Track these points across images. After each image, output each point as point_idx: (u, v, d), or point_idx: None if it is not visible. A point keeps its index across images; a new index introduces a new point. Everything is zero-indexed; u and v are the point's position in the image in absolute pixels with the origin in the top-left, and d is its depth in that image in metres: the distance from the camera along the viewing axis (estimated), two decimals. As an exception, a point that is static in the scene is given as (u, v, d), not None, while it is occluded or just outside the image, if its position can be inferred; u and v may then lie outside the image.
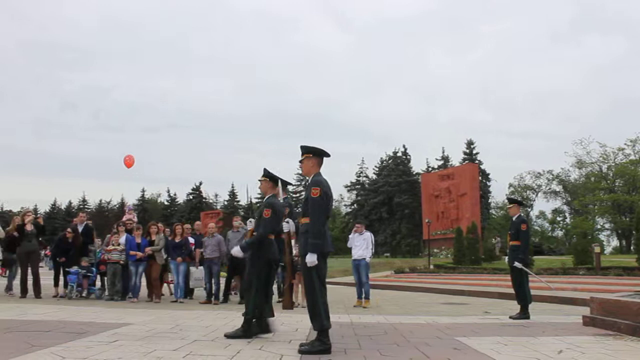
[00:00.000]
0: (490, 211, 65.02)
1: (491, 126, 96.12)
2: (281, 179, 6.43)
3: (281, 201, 6.33)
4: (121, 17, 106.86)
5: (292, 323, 6.92)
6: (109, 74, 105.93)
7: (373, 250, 11.10)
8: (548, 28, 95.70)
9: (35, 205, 70.60)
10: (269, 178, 6.17)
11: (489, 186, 62.95)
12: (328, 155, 5.45)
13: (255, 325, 5.81)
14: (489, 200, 64.32)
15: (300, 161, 5.44)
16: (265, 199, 6.11)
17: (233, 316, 8.00)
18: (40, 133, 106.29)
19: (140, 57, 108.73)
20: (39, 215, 12.01)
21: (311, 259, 4.92)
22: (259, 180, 6.20)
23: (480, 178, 54.88)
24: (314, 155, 5.37)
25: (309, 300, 5.12)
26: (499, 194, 68.39)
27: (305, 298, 5.59)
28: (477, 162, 59.34)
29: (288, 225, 5.70)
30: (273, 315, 6.09)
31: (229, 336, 5.59)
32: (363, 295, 10.84)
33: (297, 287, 10.91)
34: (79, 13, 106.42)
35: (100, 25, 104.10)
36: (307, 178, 5.51)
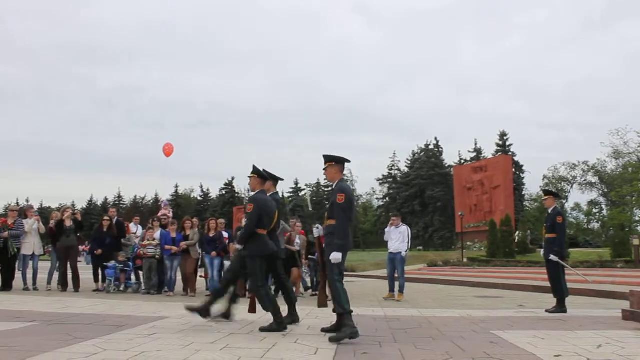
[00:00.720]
0: (524, 203, 64.08)
1: (525, 117, 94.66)
2: (273, 176, 6.77)
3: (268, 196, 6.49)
4: (154, 17, 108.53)
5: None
6: (144, 72, 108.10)
7: (409, 244, 10.99)
8: (582, 15, 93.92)
9: (73, 202, 72.32)
10: (258, 175, 6.38)
11: (523, 178, 62.13)
12: (349, 161, 5.95)
13: (287, 316, 6.07)
14: (523, 193, 63.45)
15: (324, 169, 5.88)
16: (254, 194, 6.34)
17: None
18: (77, 131, 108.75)
19: (173, 56, 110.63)
20: (76, 211, 12.24)
21: (336, 257, 5.38)
22: (249, 177, 6.39)
23: (513, 170, 54.17)
24: (336, 163, 5.82)
25: (331, 290, 5.52)
26: (532, 186, 67.48)
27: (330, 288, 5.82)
28: (510, 153, 58.59)
29: (318, 231, 5.82)
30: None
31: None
32: (397, 289, 10.80)
33: (294, 280, 11.04)
34: (114, 15, 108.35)
35: (136, 27, 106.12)
36: (332, 184, 5.98)
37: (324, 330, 5.55)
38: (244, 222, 6.54)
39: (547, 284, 9.09)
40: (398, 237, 10.82)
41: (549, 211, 8.85)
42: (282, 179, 7.05)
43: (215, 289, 7.21)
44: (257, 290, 6.04)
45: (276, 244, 6.45)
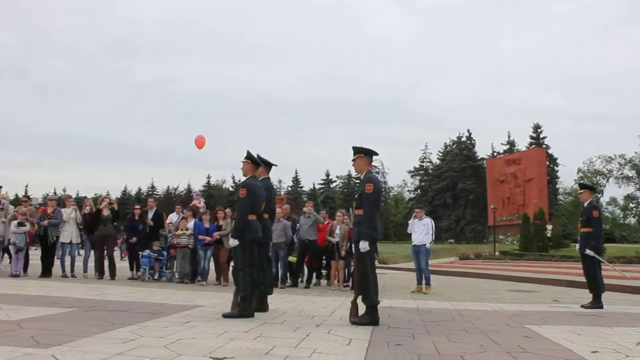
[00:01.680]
0: (558, 197, 63.01)
1: (559, 109, 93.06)
2: (266, 161, 6.88)
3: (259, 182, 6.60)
4: (190, 10, 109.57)
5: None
6: (179, 64, 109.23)
7: (433, 237, 10.93)
8: (620, 5, 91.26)
9: (108, 192, 73.71)
10: (251, 160, 6.47)
11: (557, 171, 61.12)
12: (377, 154, 6.08)
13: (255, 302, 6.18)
14: (557, 186, 62.39)
15: (353, 160, 6.04)
16: (245, 179, 6.42)
17: (300, 300, 8.15)
18: (113, 122, 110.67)
19: (209, 48, 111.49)
20: (113, 201, 12.47)
21: (364, 245, 5.58)
22: (242, 162, 6.46)
23: (547, 163, 53.28)
24: (365, 154, 5.97)
25: (360, 280, 5.72)
26: (567, 179, 66.44)
27: (356, 279, 6.00)
28: (544, 146, 57.63)
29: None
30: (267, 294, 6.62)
31: (225, 316, 5.79)
32: (423, 281, 10.76)
33: (334, 273, 11.07)
34: (149, 8, 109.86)
35: (172, 19, 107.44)
36: (360, 175, 6.11)
37: (353, 322, 5.59)
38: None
39: (582, 278, 8.94)
40: (422, 229, 10.77)
41: (585, 205, 8.70)
42: (275, 165, 7.12)
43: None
44: (237, 273, 6.15)
45: (266, 229, 6.59)
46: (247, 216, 6.10)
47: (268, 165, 6.97)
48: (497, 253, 29.96)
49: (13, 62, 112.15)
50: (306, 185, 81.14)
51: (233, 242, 6.11)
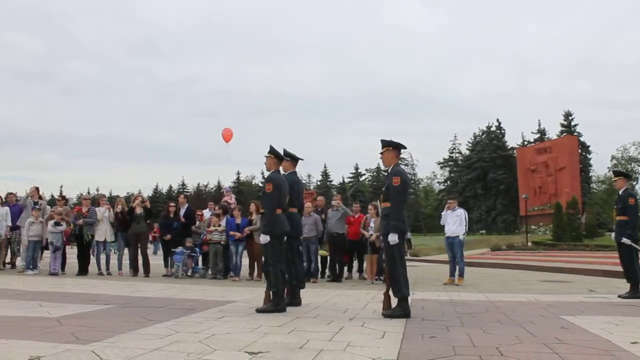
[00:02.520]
0: (591, 185, 61.82)
1: (590, 96, 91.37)
2: (292, 155, 6.85)
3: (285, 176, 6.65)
4: (210, 10, 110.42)
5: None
6: (203, 64, 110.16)
7: (466, 228, 10.83)
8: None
9: (140, 190, 74.67)
10: (274, 155, 6.46)
11: (589, 159, 59.89)
12: (405, 147, 6.09)
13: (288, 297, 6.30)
14: (590, 174, 61.21)
15: (381, 153, 6.05)
16: (269, 173, 6.42)
17: (332, 294, 8.16)
18: (141, 123, 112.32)
19: (231, 46, 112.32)
20: (145, 199, 12.67)
21: (392, 238, 5.63)
22: (265, 157, 6.46)
23: (579, 151, 52.32)
24: (393, 148, 5.98)
25: (390, 272, 5.77)
26: (600, 167, 65.04)
27: (387, 271, 6.00)
28: (576, 134, 56.54)
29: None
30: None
31: (259, 310, 5.83)
32: (457, 273, 10.68)
33: (369, 267, 11.01)
34: (170, 9, 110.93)
35: (193, 20, 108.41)
36: (387, 168, 6.13)
37: (385, 314, 5.61)
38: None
39: (619, 268, 8.79)
40: (455, 220, 10.68)
41: (620, 193, 8.53)
42: (301, 159, 7.09)
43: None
44: (266, 269, 6.22)
45: (296, 223, 6.65)
46: (275, 210, 6.15)
47: (294, 160, 6.95)
48: (529, 243, 29.57)
49: (41, 66, 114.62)
50: (335, 179, 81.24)
51: (264, 239, 6.12)
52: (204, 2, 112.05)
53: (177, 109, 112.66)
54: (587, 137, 60.65)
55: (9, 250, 12.85)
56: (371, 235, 10.70)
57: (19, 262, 12.42)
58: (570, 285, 10.63)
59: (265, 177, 6.53)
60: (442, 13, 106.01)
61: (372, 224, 10.88)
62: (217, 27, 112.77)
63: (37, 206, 12.28)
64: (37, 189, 12.97)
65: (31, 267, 11.54)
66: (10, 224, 12.21)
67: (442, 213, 11.20)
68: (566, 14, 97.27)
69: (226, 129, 17.63)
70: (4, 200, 12.75)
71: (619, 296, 7.93)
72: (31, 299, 6.79)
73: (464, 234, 10.71)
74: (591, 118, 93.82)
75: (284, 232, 6.23)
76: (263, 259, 7.04)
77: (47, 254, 12.17)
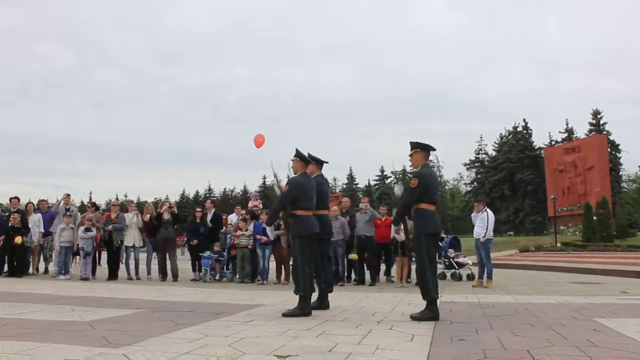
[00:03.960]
0: (622, 184, 60.63)
1: (620, 94, 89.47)
2: (316, 158, 6.91)
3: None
4: (235, 15, 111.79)
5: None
6: (229, 70, 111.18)
7: (488, 229, 10.64)
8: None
9: (167, 196, 75.52)
10: (300, 158, 6.52)
11: (619, 158, 58.73)
12: (434, 149, 6.09)
13: (316, 300, 6.35)
14: (620, 173, 60.03)
15: (410, 155, 6.07)
16: (293, 176, 6.50)
17: (360, 297, 8.15)
18: (169, 130, 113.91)
19: (256, 52, 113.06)
20: (172, 205, 12.81)
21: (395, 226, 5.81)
22: (291, 160, 6.53)
23: (609, 149, 51.40)
24: (422, 149, 6.02)
25: (419, 275, 5.82)
26: (631, 166, 63.51)
27: (417, 274, 6.03)
28: (605, 132, 55.55)
29: (399, 188, 5.92)
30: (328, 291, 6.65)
31: (285, 315, 5.83)
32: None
33: (399, 269, 10.95)
34: (196, 17, 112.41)
35: (218, 26, 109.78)
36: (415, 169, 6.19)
37: (413, 317, 5.59)
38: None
39: (653, 268, 8.61)
40: (479, 222, 10.64)
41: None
42: (326, 162, 7.12)
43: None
44: (295, 271, 6.26)
45: (326, 226, 6.66)
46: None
47: (319, 163, 7.01)
48: (558, 244, 29.14)
49: (72, 77, 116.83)
50: (361, 182, 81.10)
51: (269, 230, 6.26)
52: (228, 10, 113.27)
53: (203, 116, 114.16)
54: (617, 135, 59.52)
55: (41, 256, 13.12)
56: (402, 237, 10.66)
57: (51, 267, 12.67)
58: (602, 287, 10.45)
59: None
60: (464, 13, 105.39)
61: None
62: (240, 33, 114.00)
63: (68, 212, 12.51)
64: (68, 195, 13.22)
65: (63, 272, 11.76)
66: (42, 230, 12.47)
67: (472, 215, 11.19)
68: (591, 10, 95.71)
69: (258, 134, 17.72)
70: (36, 207, 13.02)
71: (652, 297, 7.78)
72: (64, 303, 6.91)
73: (483, 236, 10.58)
74: (621, 115, 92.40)
75: (313, 235, 6.25)
76: (291, 261, 7.07)
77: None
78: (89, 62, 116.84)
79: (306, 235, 6.17)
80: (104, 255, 12.67)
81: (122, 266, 12.18)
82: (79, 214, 13.12)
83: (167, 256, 11.86)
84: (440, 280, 10.78)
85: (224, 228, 12.43)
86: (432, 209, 5.83)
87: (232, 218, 12.69)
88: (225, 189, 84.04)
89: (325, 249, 6.84)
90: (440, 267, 11.87)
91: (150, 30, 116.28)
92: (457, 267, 12.50)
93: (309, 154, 6.78)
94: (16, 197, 12.43)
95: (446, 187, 75.93)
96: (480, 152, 71.28)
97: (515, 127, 67.12)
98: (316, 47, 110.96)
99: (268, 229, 10.73)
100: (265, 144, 17.36)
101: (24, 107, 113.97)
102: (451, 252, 12.75)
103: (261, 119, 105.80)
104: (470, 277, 12.06)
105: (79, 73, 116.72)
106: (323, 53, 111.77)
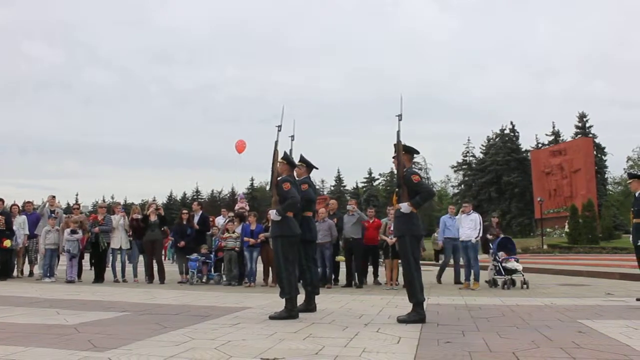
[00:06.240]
0: (607, 187, 61.18)
1: (606, 97, 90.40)
2: (308, 162, 6.97)
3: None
4: (225, 16, 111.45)
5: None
6: (218, 71, 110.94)
7: (480, 232, 10.68)
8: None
9: (154, 198, 75.09)
10: (286, 161, 6.55)
11: (605, 161, 59.23)
12: (418, 152, 6.23)
13: (303, 304, 6.34)
14: (606, 176, 60.56)
15: (393, 157, 6.07)
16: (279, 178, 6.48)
17: (347, 299, 8.16)
18: (157, 130, 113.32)
19: (245, 53, 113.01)
20: (159, 206, 12.73)
21: (405, 207, 5.74)
22: (278, 162, 6.50)
23: (595, 152, 51.85)
24: (405, 152, 6.04)
25: (405, 277, 5.84)
26: (616, 168, 64.16)
27: (403, 276, 6.04)
28: (591, 135, 56.03)
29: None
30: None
31: (272, 317, 5.81)
32: (472, 277, 10.63)
33: (389, 271, 10.94)
34: (186, 17, 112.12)
35: (208, 27, 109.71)
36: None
37: (400, 320, 5.59)
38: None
39: (636, 271, 8.71)
40: (469, 224, 10.68)
41: (636, 195, 8.44)
42: (316, 168, 7.14)
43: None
44: (278, 275, 6.27)
45: (311, 228, 6.71)
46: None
47: (309, 166, 7.01)
48: (545, 246, 29.36)
49: (59, 76, 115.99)
50: (349, 184, 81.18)
51: (275, 217, 6.20)
52: (219, 10, 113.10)
53: (192, 117, 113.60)
54: (603, 139, 60.21)
55: (26, 259, 12.99)
56: (392, 239, 10.67)
57: (36, 270, 12.55)
58: (587, 289, 10.53)
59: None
60: (455, 16, 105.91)
61: (392, 228, 10.84)
62: (230, 34, 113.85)
63: (53, 215, 12.41)
64: (53, 197, 13.11)
65: (48, 274, 11.65)
66: (27, 232, 12.36)
67: (457, 217, 11.24)
68: (580, 14, 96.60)
69: (240, 140, 17.76)
70: (21, 209, 12.90)
71: (637, 299, 7.83)
72: (49, 306, 6.85)
73: (476, 238, 10.64)
74: (606, 119, 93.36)
75: (296, 236, 6.23)
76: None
77: (62, 261, 12.29)
78: (78, 62, 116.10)
79: (287, 235, 6.17)
80: (87, 256, 12.58)
81: (108, 269, 12.08)
82: (64, 215, 13.01)
83: (154, 258, 11.79)
84: (490, 287, 10.75)
85: (211, 230, 12.39)
86: (415, 211, 5.86)
87: (219, 220, 12.65)
88: (213, 191, 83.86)
89: (310, 251, 6.82)
90: (490, 273, 11.16)
91: (141, 30, 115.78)
92: (504, 273, 10.64)
93: (301, 156, 6.81)
94: (1, 199, 12.30)
95: (434, 189, 76.16)
96: (467, 154, 71.67)
97: (502, 130, 67.53)
98: (306, 48, 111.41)
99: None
100: (246, 149, 17.44)
101: (10, 107, 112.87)
102: (501, 255, 10.93)
103: (250, 120, 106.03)
104: (524, 284, 10.62)
105: (68, 73, 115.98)
106: (313, 54, 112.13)
